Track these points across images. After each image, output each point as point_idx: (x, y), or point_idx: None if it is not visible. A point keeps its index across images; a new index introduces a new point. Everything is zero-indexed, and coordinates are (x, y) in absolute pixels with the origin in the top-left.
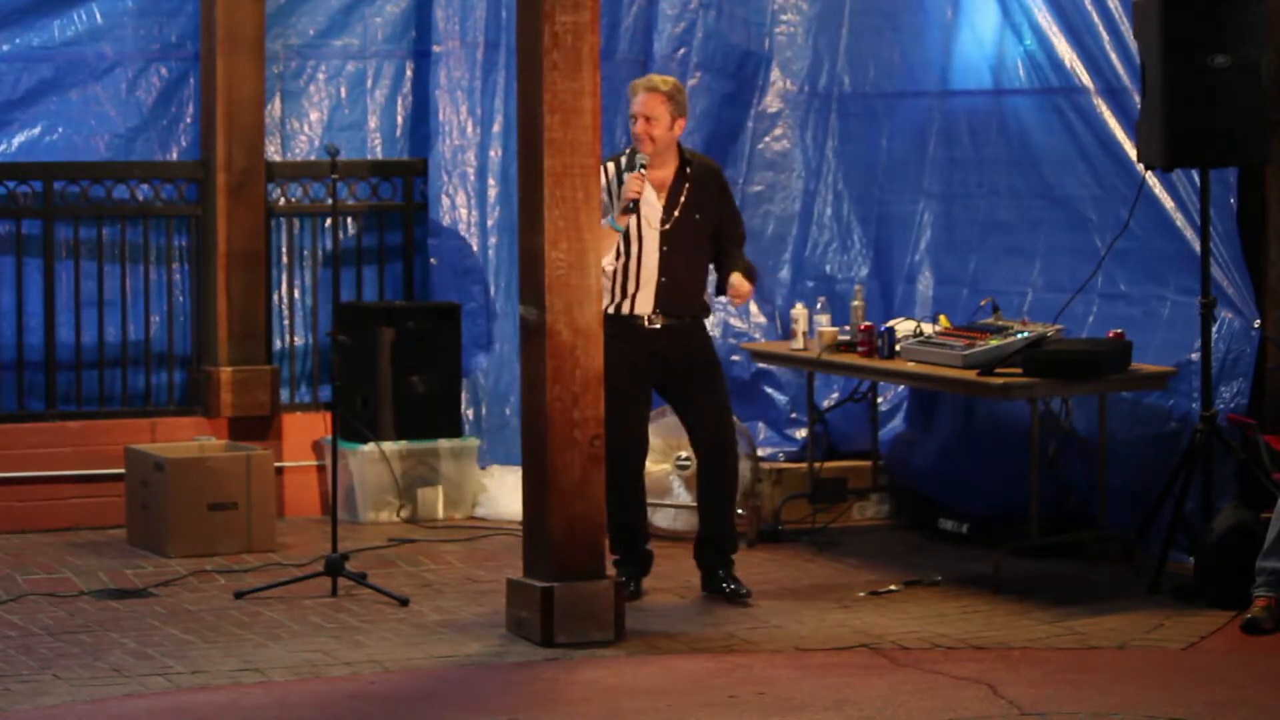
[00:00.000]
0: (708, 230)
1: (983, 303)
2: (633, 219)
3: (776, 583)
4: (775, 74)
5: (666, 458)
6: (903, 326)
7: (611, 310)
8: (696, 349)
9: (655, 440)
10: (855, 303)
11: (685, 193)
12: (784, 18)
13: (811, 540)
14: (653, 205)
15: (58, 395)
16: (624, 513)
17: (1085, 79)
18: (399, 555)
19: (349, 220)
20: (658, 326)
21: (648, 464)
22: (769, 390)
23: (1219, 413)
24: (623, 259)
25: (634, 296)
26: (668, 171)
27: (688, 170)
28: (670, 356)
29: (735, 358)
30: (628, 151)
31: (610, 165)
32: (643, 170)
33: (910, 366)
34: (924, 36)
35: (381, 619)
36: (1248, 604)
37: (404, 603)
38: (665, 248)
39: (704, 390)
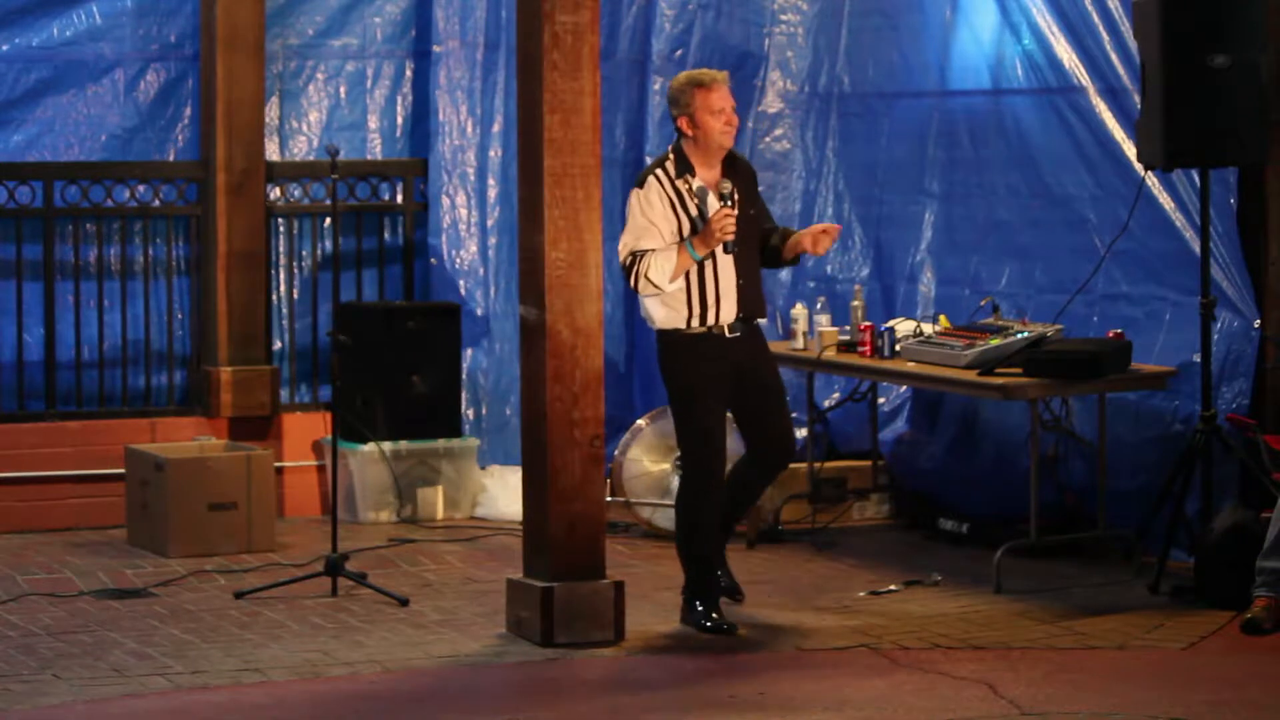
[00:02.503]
0: (758, 224)
1: (982, 302)
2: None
3: (776, 583)
4: (775, 74)
5: (666, 458)
6: (903, 326)
7: (695, 324)
8: (764, 348)
9: (656, 440)
10: (855, 303)
11: (738, 189)
12: (783, 18)
13: (811, 540)
14: (715, 210)
15: (58, 395)
16: (711, 540)
17: (1084, 79)
18: (399, 555)
19: (349, 220)
20: (738, 335)
21: (648, 464)
22: None
23: (1219, 413)
24: (697, 273)
25: (718, 306)
26: (716, 172)
27: (734, 166)
28: (745, 360)
29: None
30: (672, 155)
31: (660, 176)
32: (733, 202)
33: (910, 366)
34: (923, 36)
35: (381, 619)
36: (1248, 604)
37: (404, 603)
38: (736, 249)
39: (776, 388)
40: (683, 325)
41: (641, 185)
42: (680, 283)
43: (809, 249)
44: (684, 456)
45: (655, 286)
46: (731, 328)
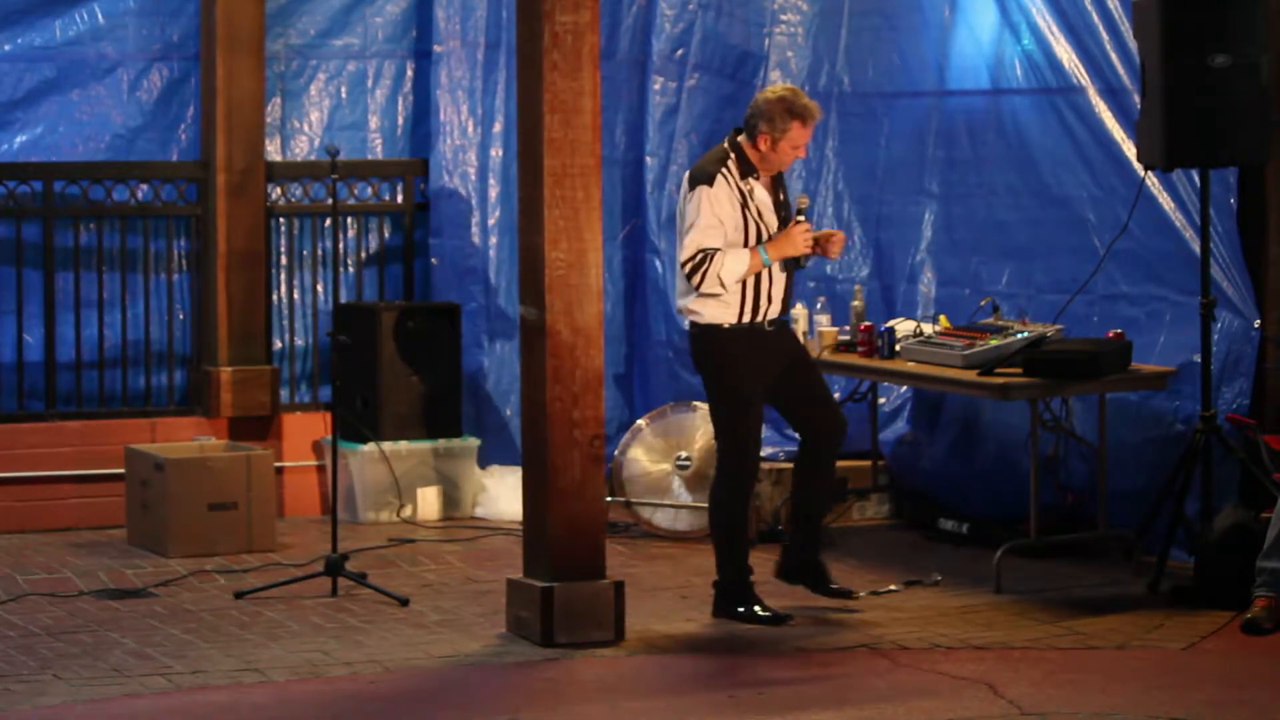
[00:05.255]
0: None
1: (982, 302)
2: (760, 232)
3: (777, 583)
4: (775, 74)
5: (666, 458)
6: (903, 326)
7: (744, 320)
8: (795, 339)
9: (656, 440)
10: (855, 303)
11: (781, 198)
12: (783, 18)
13: None
14: (771, 216)
15: (58, 395)
16: (745, 529)
17: (1084, 79)
18: (399, 555)
19: (349, 220)
20: (773, 330)
21: (648, 464)
22: None
23: (1219, 413)
24: (754, 275)
25: (767, 306)
26: (768, 180)
27: (781, 177)
28: (783, 353)
29: None
30: (733, 155)
31: (727, 174)
32: (807, 219)
33: (910, 366)
34: (922, 36)
35: (381, 619)
36: (1248, 604)
37: (404, 603)
38: (803, 265)
39: (814, 375)
40: (731, 321)
41: (711, 183)
42: (747, 284)
43: (823, 253)
44: (723, 447)
45: (722, 286)
46: (770, 323)
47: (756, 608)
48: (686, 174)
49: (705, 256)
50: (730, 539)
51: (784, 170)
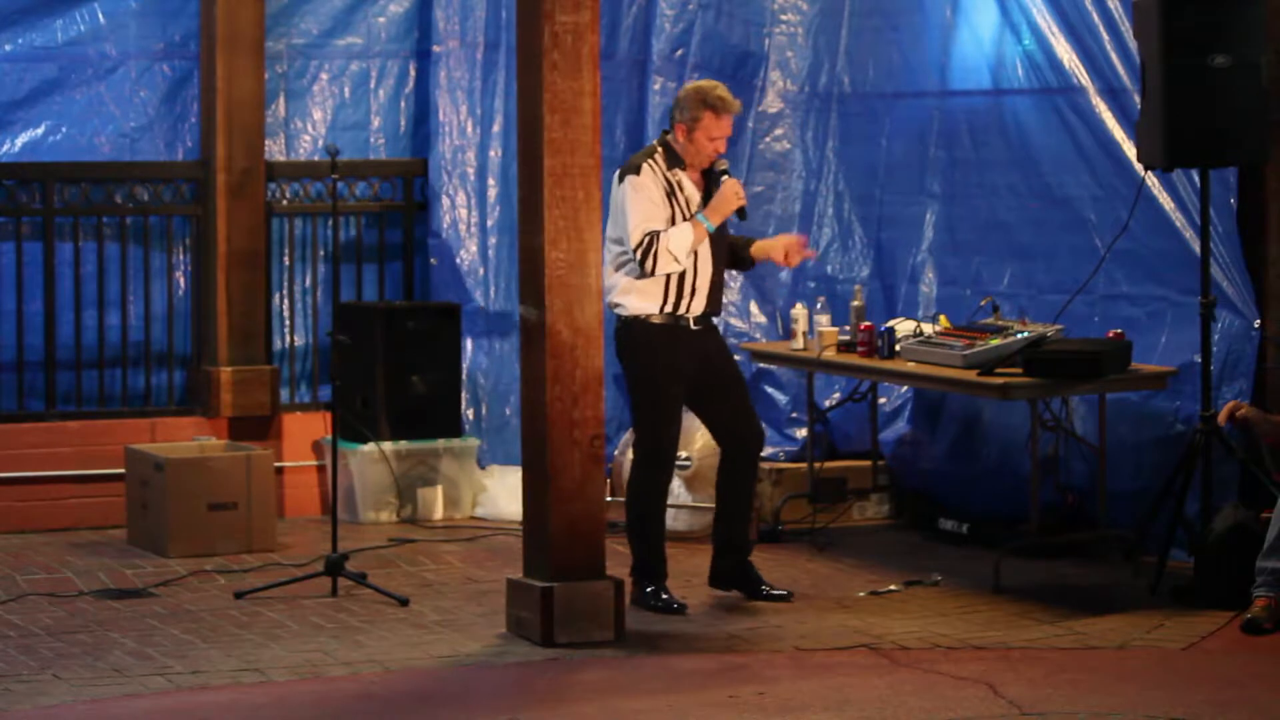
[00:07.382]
0: (726, 228)
1: (983, 302)
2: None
3: (776, 583)
4: (775, 74)
5: None
6: (903, 326)
7: (668, 312)
8: (723, 343)
9: None
10: (855, 303)
11: (711, 193)
12: (784, 18)
13: (811, 540)
14: (726, 182)
15: (58, 395)
16: (660, 520)
17: (1085, 79)
18: (399, 555)
19: (349, 220)
20: (699, 329)
21: None
22: (769, 390)
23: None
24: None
25: (691, 299)
26: (697, 173)
27: (711, 170)
28: (709, 354)
29: (736, 357)
30: (660, 149)
31: (653, 165)
32: (728, 177)
33: (910, 366)
34: (923, 37)
35: (381, 619)
36: (1248, 604)
37: (404, 603)
38: (714, 250)
39: (739, 379)
40: (654, 312)
41: (638, 172)
42: (672, 275)
43: (780, 262)
44: (640, 439)
45: (675, 260)
46: (696, 320)
47: (663, 595)
48: (617, 172)
49: (651, 238)
50: (643, 530)
51: (707, 166)
